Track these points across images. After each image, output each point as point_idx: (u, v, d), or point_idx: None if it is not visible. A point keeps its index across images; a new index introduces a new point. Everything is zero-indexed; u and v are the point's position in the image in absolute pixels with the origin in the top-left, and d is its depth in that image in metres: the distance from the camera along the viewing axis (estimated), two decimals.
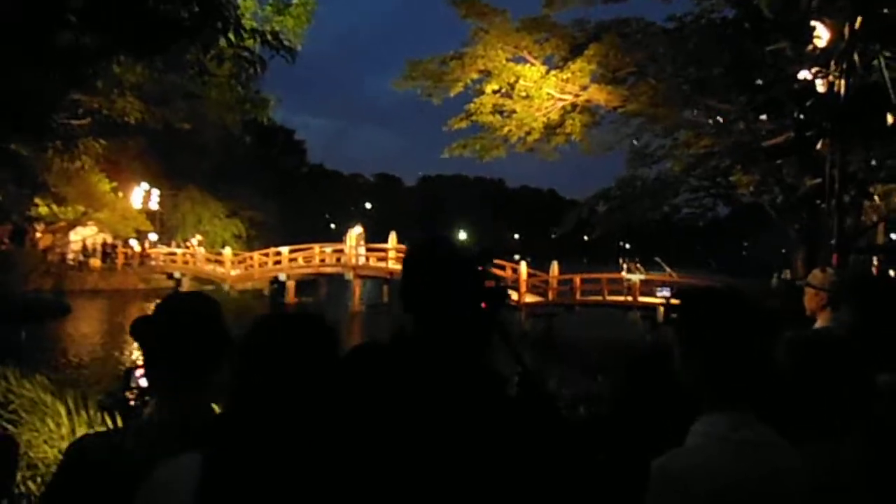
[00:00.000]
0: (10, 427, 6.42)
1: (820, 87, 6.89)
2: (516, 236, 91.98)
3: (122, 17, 5.62)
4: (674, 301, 1.77)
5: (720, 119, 13.64)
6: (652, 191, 15.48)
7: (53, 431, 6.31)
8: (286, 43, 8.08)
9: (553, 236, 24.07)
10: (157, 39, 5.75)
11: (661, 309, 4.62)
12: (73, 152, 9.53)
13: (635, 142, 15.74)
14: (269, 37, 6.62)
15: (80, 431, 6.19)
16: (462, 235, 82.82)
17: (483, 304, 1.65)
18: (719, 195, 16.52)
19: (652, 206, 15.79)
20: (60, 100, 7.83)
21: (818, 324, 3.14)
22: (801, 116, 7.04)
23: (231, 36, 6.13)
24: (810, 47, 7.12)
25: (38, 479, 5.86)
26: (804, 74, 7.34)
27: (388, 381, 1.48)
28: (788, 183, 13.01)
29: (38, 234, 32.38)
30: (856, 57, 7.43)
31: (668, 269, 23.02)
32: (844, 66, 6.91)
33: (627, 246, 50.24)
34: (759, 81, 11.76)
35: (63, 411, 6.58)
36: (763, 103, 11.41)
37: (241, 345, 1.38)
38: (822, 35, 6.86)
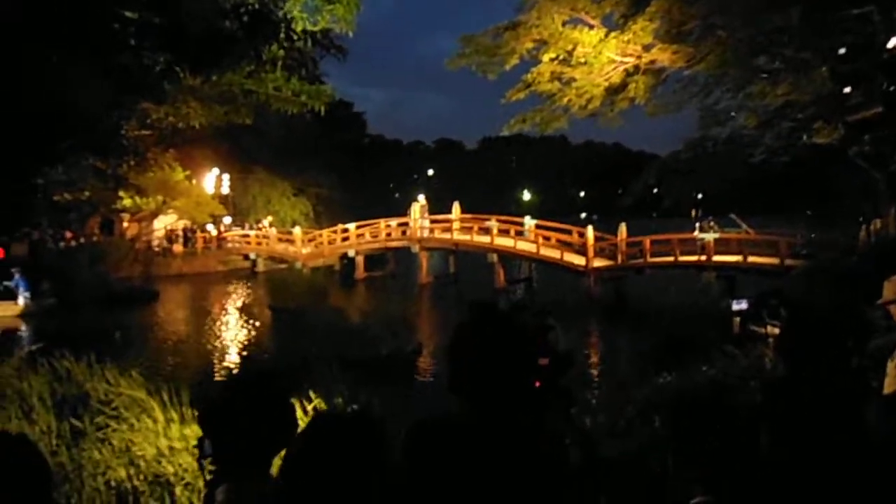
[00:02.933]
0: (112, 423, 6.98)
1: None
2: (582, 194, 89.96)
3: (180, 37, 5.78)
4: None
5: (798, 68, 12.60)
6: (724, 154, 14.59)
7: (150, 428, 6.80)
8: (338, 30, 8.13)
9: (620, 192, 23.34)
10: (212, 54, 5.89)
11: (736, 321, 4.45)
12: (145, 166, 9.97)
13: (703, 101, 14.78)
14: (319, 37, 6.63)
15: (174, 429, 6.65)
16: (526, 196, 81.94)
17: (537, 383, 1.64)
18: (799, 150, 15.38)
19: (725, 173, 14.93)
20: (129, 117, 8.22)
21: None
22: (892, 88, 6.40)
23: (282, 40, 6.20)
24: None
25: (141, 477, 6.35)
26: (894, 42, 6.63)
27: (441, 473, 1.50)
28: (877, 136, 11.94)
29: (125, 225, 34.40)
30: None
31: (744, 226, 21.92)
32: None
33: (700, 196, 48.00)
34: (843, 50, 10.68)
35: (158, 408, 7.07)
36: (848, 74, 10.38)
37: (296, 447, 1.43)
38: None
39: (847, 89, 11.02)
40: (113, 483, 6.07)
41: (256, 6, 5.71)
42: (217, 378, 13.33)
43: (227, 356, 15.39)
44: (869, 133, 11.02)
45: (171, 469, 6.08)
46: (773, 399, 2.21)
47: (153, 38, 5.93)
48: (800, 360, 2.21)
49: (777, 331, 3.54)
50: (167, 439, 6.41)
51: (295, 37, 6.16)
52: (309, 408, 6.40)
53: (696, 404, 3.73)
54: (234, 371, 13.74)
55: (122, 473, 6.15)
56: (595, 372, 12.11)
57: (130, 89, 6.50)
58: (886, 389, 2.76)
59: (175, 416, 6.65)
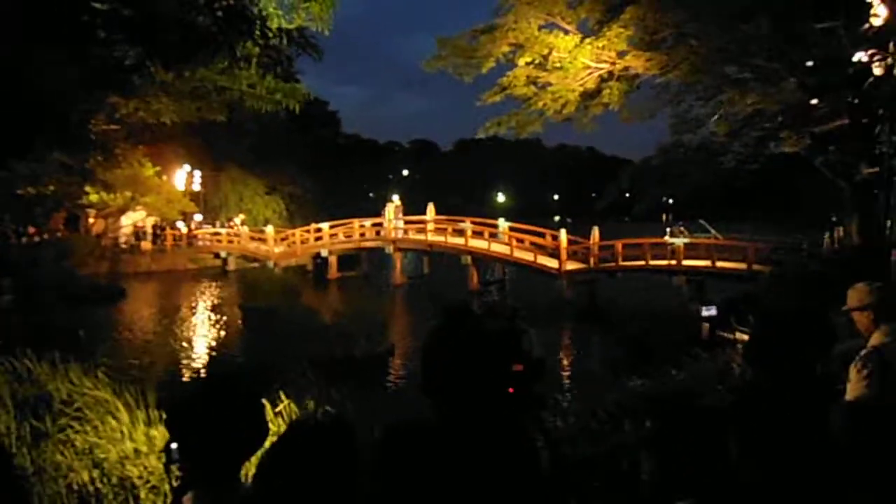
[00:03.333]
0: (75, 424, 6.79)
1: (877, 69, 6.39)
2: (556, 197, 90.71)
3: (152, 30, 5.66)
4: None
5: (767, 78, 12.89)
6: (695, 161, 14.87)
7: (115, 430, 6.63)
8: (314, 28, 8.05)
9: (594, 195, 23.58)
10: (185, 49, 5.79)
11: (706, 326, 4.52)
12: (113, 162, 9.77)
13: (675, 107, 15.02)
14: (295, 35, 6.56)
15: (139, 431, 6.49)
16: (501, 198, 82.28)
17: (510, 389, 1.64)
18: (766, 158, 15.74)
19: (695, 179, 15.21)
20: (97, 110, 8.03)
21: (874, 340, 3.04)
22: (857, 102, 6.58)
23: (257, 37, 6.12)
24: (866, 26, 6.56)
25: (105, 480, 6.19)
26: (859, 56, 6.80)
27: (416, 474, 1.48)
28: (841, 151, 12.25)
29: (91, 220, 33.60)
30: None
31: (713, 232, 22.37)
32: None
33: (671, 201, 48.76)
34: (809, 63, 10.94)
35: (123, 409, 6.90)
36: (815, 86, 10.64)
37: (272, 454, 1.41)
38: (879, 13, 6.31)
39: (814, 101, 11.30)
40: (75, 486, 5.91)
41: (231, 2, 5.62)
42: (185, 379, 13.10)
43: (195, 356, 15.12)
44: (834, 145, 11.32)
45: (135, 472, 5.94)
46: (741, 404, 2.25)
47: (123, 31, 5.79)
48: (767, 366, 2.26)
49: (745, 336, 3.61)
50: (132, 441, 6.26)
51: (270, 34, 6.09)
52: (279, 409, 6.32)
53: (665, 408, 3.78)
54: (203, 372, 13.51)
55: (86, 476, 5.98)
56: (567, 374, 12.21)
57: (99, 82, 6.34)
58: (848, 395, 2.82)
59: (141, 417, 6.51)
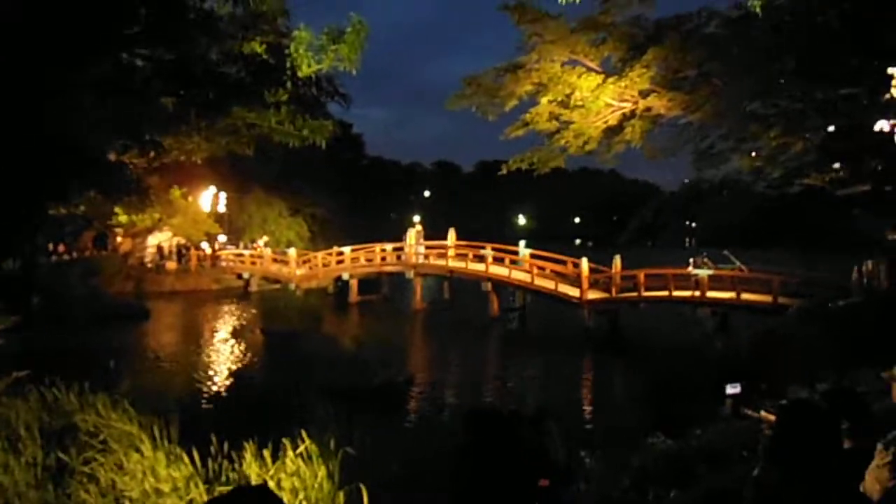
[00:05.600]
0: (100, 457, 6.88)
1: None
2: (577, 220, 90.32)
3: (190, 83, 5.86)
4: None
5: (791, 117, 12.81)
6: (718, 194, 14.80)
7: (138, 466, 6.70)
8: (342, 68, 8.25)
9: (615, 219, 23.51)
10: (219, 99, 5.97)
11: (729, 402, 4.48)
12: (145, 203, 10.04)
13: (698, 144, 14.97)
14: (324, 84, 6.74)
15: (161, 468, 6.56)
16: (521, 221, 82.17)
17: None
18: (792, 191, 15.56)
19: (719, 211, 15.11)
20: (134, 153, 8.30)
21: None
22: (880, 168, 6.53)
23: (288, 85, 6.29)
24: (887, 96, 6.55)
25: None
26: (881, 125, 6.77)
27: None
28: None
29: (119, 240, 34.29)
30: None
31: (737, 263, 22.05)
32: None
33: (694, 226, 48.17)
34: (832, 128, 10.89)
35: (147, 443, 6.98)
36: (838, 151, 10.57)
37: None
38: None
39: (836, 165, 11.20)
40: None
41: (264, 56, 5.83)
42: (206, 406, 13.19)
43: (217, 384, 15.26)
44: (859, 208, 11.20)
45: None
46: None
47: (162, 80, 6.02)
48: (791, 470, 2.20)
49: (771, 417, 3.56)
50: (154, 479, 6.33)
51: (300, 83, 6.26)
52: (300, 450, 6.34)
53: (689, 475, 3.73)
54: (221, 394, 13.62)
55: None
56: (588, 414, 12.08)
57: (135, 134, 6.58)
58: (866, 483, 2.59)
59: (162, 455, 6.57)
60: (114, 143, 6.60)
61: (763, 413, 3.77)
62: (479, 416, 1.71)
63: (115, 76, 5.62)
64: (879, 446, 2.73)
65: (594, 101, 14.82)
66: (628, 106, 15.08)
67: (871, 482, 2.60)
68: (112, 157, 8.34)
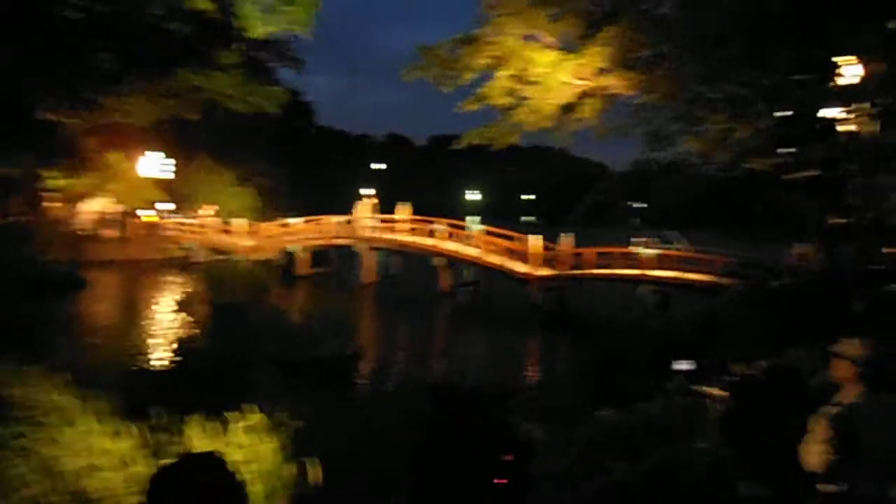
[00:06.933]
0: (32, 432, 6.59)
1: (844, 126, 6.59)
2: (528, 197, 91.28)
3: (130, 38, 5.49)
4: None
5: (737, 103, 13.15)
6: (667, 175, 15.11)
7: (73, 440, 6.44)
8: (294, 31, 7.96)
9: (565, 197, 23.83)
10: (163, 57, 5.63)
11: (679, 378, 4.63)
12: (80, 166, 9.45)
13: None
14: (275, 46, 6.44)
15: (97, 442, 6.32)
16: (473, 196, 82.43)
17: (502, 480, 1.65)
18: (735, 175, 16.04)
19: (667, 192, 15.47)
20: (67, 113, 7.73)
21: (845, 397, 2.99)
22: (826, 156, 6.78)
23: (237, 47, 5.98)
24: (834, 83, 6.77)
25: (63, 494, 6.03)
26: (828, 112, 7.01)
27: None
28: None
29: (53, 205, 32.53)
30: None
31: (682, 243, 22.83)
32: (874, 108, 6.59)
33: (641, 205, 49.21)
34: (779, 114, 11.22)
35: (82, 418, 6.71)
36: (785, 137, 10.91)
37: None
38: (846, 73, 6.53)
39: (782, 150, 11.58)
40: (32, 500, 5.76)
41: (211, 13, 5.49)
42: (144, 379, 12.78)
43: (160, 356, 14.81)
44: (804, 193, 11.66)
45: (95, 485, 5.81)
46: (719, 478, 2.30)
47: (99, 36, 5.61)
48: (744, 444, 2.30)
49: (717, 392, 3.71)
50: (90, 453, 6.11)
51: (250, 45, 5.98)
52: (252, 423, 6.23)
53: (635, 449, 3.85)
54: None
55: (42, 489, 5.83)
56: (533, 391, 12.34)
57: (69, 93, 6.12)
58: (804, 457, 2.66)
59: (102, 427, 6.34)
60: (44, 100, 6.16)
61: (710, 389, 3.92)
62: (445, 392, 1.69)
63: (45, 27, 5.21)
64: (816, 420, 2.85)
65: (551, 77, 14.85)
66: (584, 84, 15.19)
67: (810, 456, 2.72)
68: (43, 115, 7.79)
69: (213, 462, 1.38)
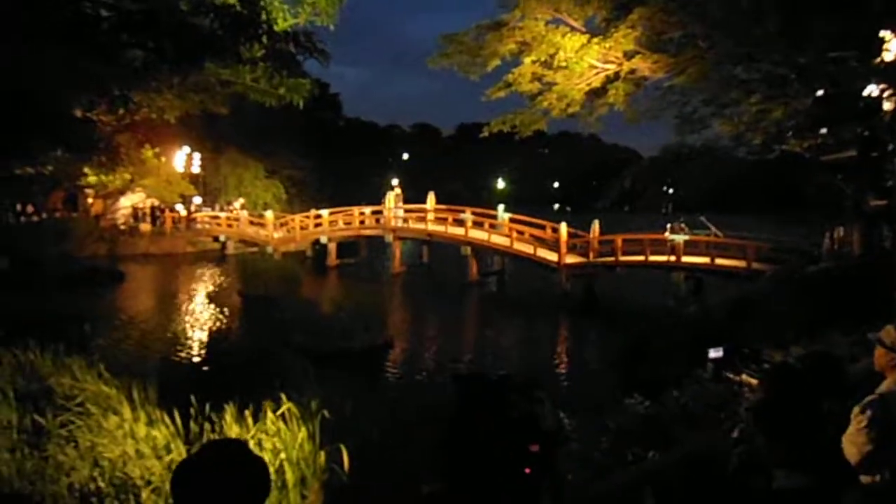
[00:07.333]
0: (77, 421, 6.80)
1: (887, 104, 6.32)
2: (556, 184, 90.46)
3: (159, 34, 5.60)
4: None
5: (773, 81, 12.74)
6: (699, 159, 14.80)
7: (116, 428, 6.62)
8: (319, 23, 8.00)
9: (594, 183, 23.55)
10: (191, 53, 5.73)
11: (710, 366, 4.55)
12: (115, 162, 9.68)
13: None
14: (301, 38, 6.51)
15: (140, 429, 6.50)
16: (500, 185, 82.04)
17: (527, 470, 1.64)
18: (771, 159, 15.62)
19: (699, 177, 15.13)
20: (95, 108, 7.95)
21: (885, 386, 2.90)
22: (866, 134, 6.51)
23: (264, 40, 6.06)
24: (878, 60, 6.47)
25: (106, 479, 6.22)
26: (870, 90, 6.72)
27: None
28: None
29: (90, 201, 33.42)
30: None
31: (713, 229, 22.36)
32: None
33: (672, 192, 48.18)
34: (820, 92, 10.81)
35: (125, 406, 6.91)
36: (824, 116, 10.51)
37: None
38: (891, 48, 6.24)
39: (822, 131, 11.18)
40: (77, 485, 5.95)
41: (239, 8, 5.57)
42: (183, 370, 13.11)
43: (196, 347, 15.15)
44: (842, 174, 11.25)
45: (137, 472, 5.97)
46: (751, 470, 2.25)
47: (129, 33, 5.72)
48: (779, 435, 2.25)
49: (751, 380, 3.62)
50: (133, 440, 6.28)
51: (276, 38, 6.03)
52: (280, 411, 6.34)
53: (668, 437, 3.80)
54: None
55: (87, 475, 6.02)
56: (564, 380, 12.26)
57: (103, 85, 6.29)
58: (845, 447, 2.61)
59: (142, 415, 6.52)
60: (80, 98, 6.33)
61: (744, 377, 3.84)
62: (469, 381, 1.69)
63: (78, 26, 5.34)
64: (856, 410, 2.77)
65: (578, 61, 14.60)
66: (612, 68, 14.89)
67: (849, 446, 2.65)
68: (78, 113, 8.01)
69: (236, 447, 1.40)
